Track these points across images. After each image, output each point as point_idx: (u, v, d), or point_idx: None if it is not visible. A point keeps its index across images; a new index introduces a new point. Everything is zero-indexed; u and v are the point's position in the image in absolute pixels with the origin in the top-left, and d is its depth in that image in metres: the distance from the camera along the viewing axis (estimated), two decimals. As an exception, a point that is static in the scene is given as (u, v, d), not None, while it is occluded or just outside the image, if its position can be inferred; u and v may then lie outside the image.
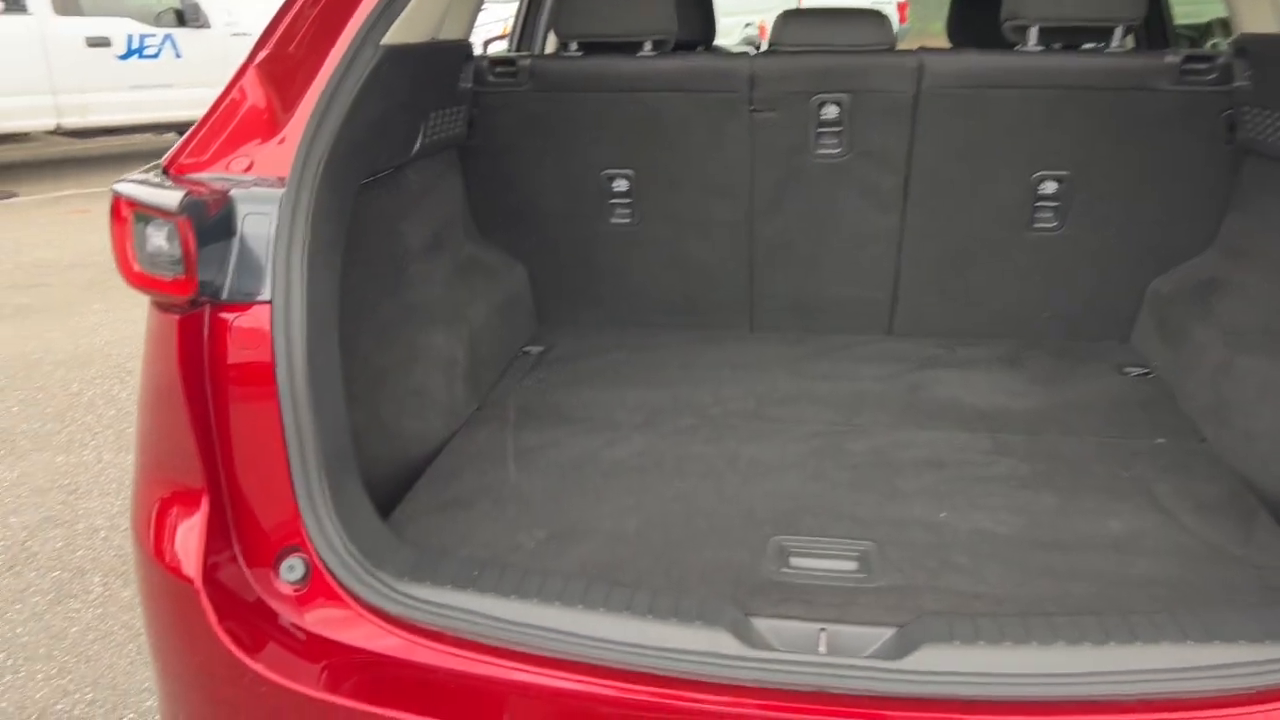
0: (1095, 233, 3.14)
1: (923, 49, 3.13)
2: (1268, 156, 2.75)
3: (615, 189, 3.30)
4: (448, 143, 3.04)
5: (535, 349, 3.38)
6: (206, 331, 2.03)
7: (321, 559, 1.94)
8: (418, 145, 2.74)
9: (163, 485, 2.14)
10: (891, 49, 3.16)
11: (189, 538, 2.04)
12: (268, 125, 2.18)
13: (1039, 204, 3.13)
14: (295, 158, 1.99)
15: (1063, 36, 3.01)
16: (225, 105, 2.22)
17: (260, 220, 2.00)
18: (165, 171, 2.14)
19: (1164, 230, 3.11)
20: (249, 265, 1.99)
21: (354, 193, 2.24)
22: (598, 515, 2.33)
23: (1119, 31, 2.94)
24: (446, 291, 2.93)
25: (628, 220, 3.33)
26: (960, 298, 3.33)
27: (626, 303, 3.52)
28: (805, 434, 2.72)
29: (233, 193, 2.02)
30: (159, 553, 2.08)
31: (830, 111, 3.10)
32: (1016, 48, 3.01)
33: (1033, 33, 2.96)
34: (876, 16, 3.22)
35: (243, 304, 2.00)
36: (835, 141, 3.12)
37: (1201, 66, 2.88)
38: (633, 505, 2.36)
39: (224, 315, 2.01)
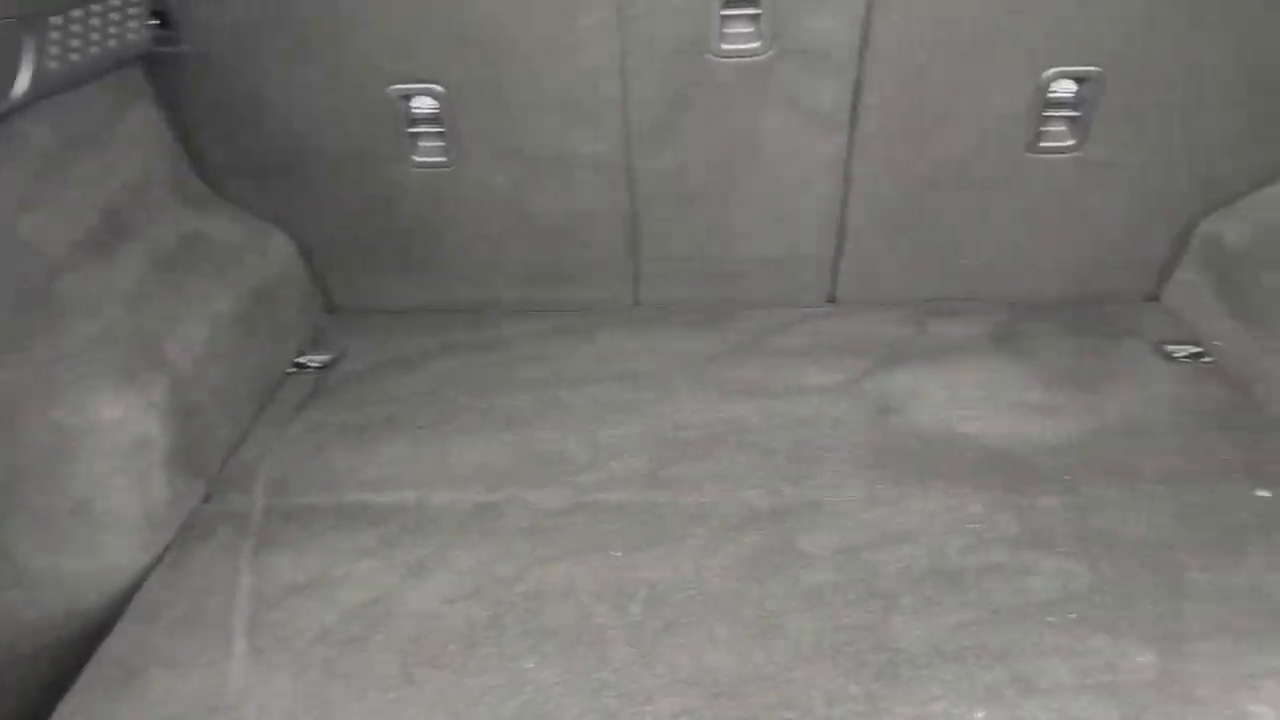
0: (1127, 152, 2.14)
1: None
2: None
3: (416, 111, 2.13)
4: (112, 59, 1.81)
5: (316, 360, 2.26)
6: None
7: None
8: (27, 79, 1.53)
9: None
10: None
11: None
12: None
13: (1049, 113, 2.11)
14: None
15: None
16: None
17: None
18: None
19: (1225, 149, 2.13)
20: None
21: None
22: None
23: None
24: (130, 314, 1.78)
25: (441, 158, 2.18)
26: (931, 249, 2.32)
27: (451, 278, 2.40)
28: (734, 522, 1.71)
29: None
30: None
31: None
32: None
33: None
34: None
35: None
36: (750, 32, 2.00)
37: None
38: None
39: None
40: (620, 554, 1.65)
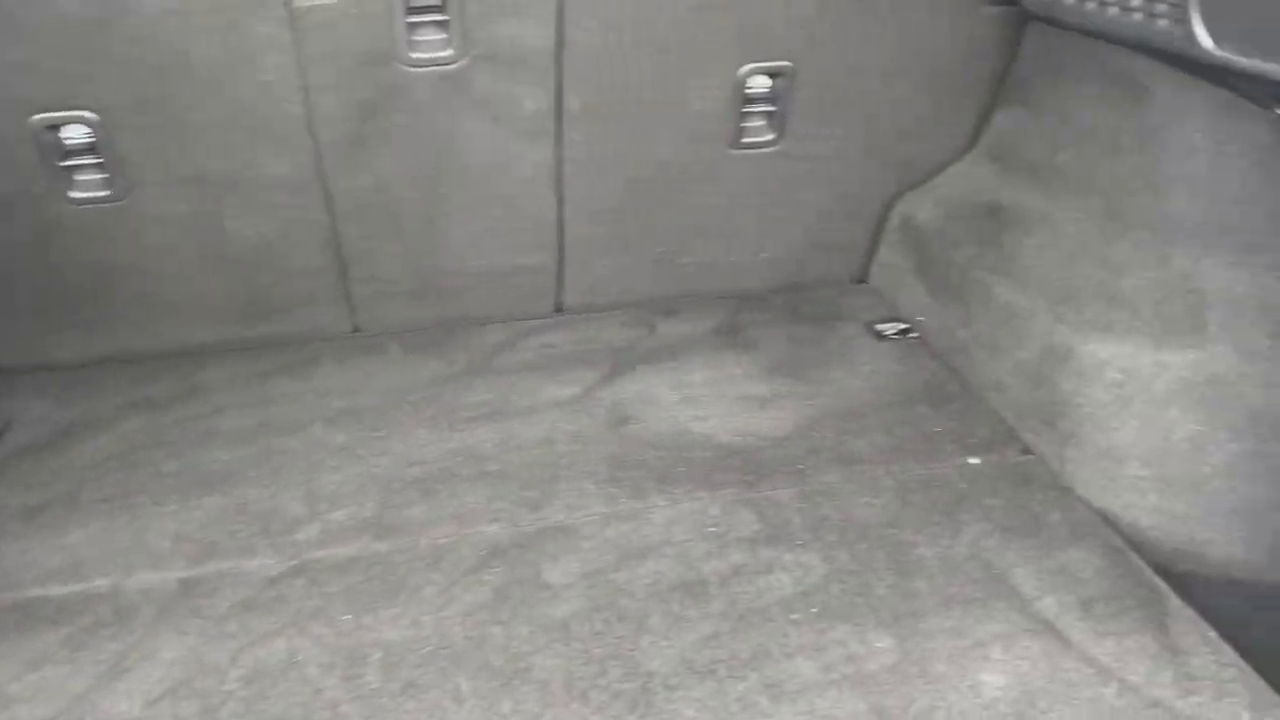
0: (824, 143, 2.22)
1: None
2: (1067, 27, 1.92)
3: (68, 142, 1.88)
4: None
5: None
6: None
7: None
8: None
9: None
10: None
11: None
12: None
13: (748, 109, 2.14)
14: None
15: None
16: None
17: None
18: None
19: (910, 134, 2.25)
20: None
21: None
22: None
23: None
24: None
25: (104, 191, 1.94)
26: (650, 250, 2.31)
27: (136, 324, 2.15)
28: (472, 562, 1.62)
29: None
30: None
31: None
32: None
33: None
34: None
35: None
36: (441, 39, 1.90)
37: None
38: None
39: None
40: (349, 616, 1.51)
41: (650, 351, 2.20)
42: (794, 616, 1.50)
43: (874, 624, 1.48)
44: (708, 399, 2.03)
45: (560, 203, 2.18)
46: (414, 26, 1.87)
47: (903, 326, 2.28)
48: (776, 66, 2.07)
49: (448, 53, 1.90)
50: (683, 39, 1.99)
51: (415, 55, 1.90)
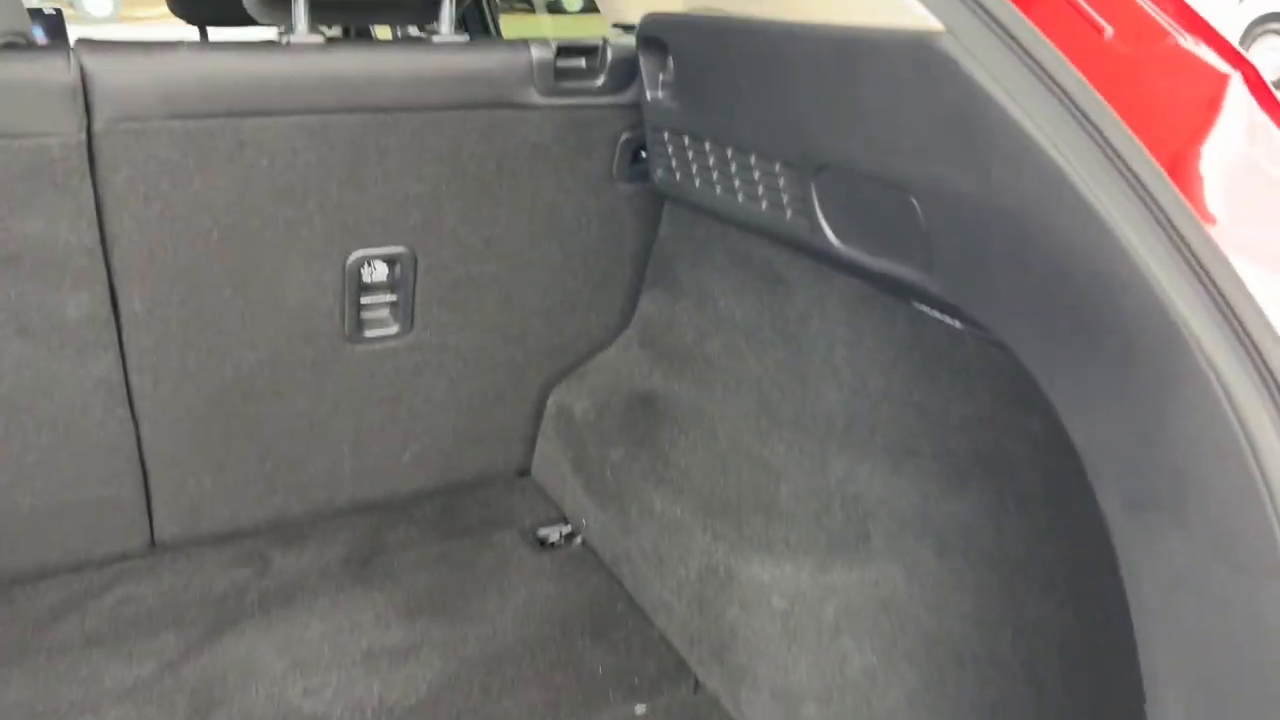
0: (460, 332, 1.94)
1: (91, 43, 1.56)
2: (700, 211, 1.76)
3: None
4: None
5: None
6: None
7: None
8: None
9: None
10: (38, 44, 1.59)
11: None
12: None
13: (367, 300, 1.84)
14: None
15: (357, 13, 1.72)
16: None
17: None
18: None
19: (559, 317, 2.03)
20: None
21: None
22: None
23: (448, 8, 1.72)
24: None
25: None
26: (258, 465, 1.93)
27: None
28: None
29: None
30: None
31: None
32: (281, 37, 1.65)
33: (300, 9, 1.61)
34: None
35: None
36: (-73, 243, 1.47)
37: (581, 64, 1.79)
38: None
39: None
40: None
41: (259, 599, 1.79)
42: None
43: None
44: (325, 661, 1.65)
45: (135, 420, 1.76)
46: (-114, 228, 1.44)
47: (567, 531, 2.01)
48: (391, 253, 1.79)
49: (-62, 259, 1.48)
50: (268, 227, 1.67)
51: (-105, 262, 1.46)
